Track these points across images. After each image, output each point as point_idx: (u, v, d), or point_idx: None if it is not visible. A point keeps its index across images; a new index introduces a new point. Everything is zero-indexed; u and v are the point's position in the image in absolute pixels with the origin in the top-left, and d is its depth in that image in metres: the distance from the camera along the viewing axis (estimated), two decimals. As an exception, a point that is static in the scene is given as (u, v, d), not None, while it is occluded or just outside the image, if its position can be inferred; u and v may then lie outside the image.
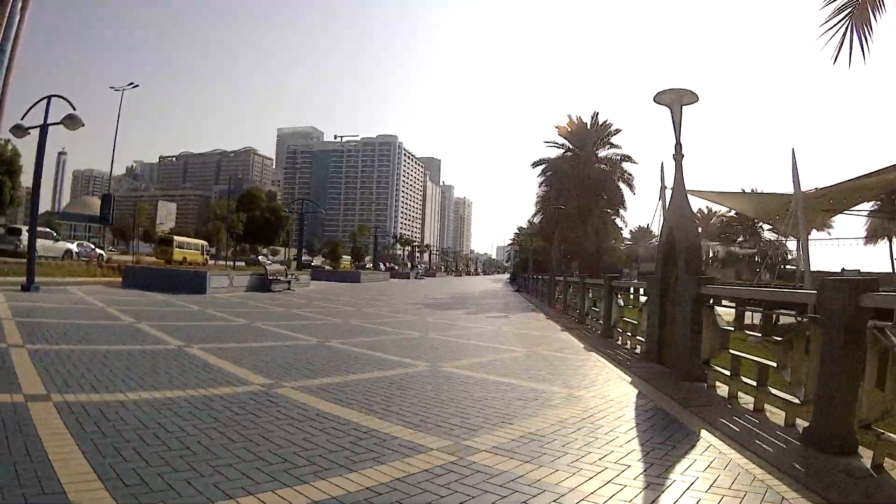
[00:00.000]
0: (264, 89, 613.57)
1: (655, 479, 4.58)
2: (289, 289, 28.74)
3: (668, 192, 36.51)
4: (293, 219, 60.25)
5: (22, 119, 21.16)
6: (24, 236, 38.37)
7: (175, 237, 60.95)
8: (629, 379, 9.06)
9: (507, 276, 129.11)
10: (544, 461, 4.83)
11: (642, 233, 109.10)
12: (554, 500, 4.04)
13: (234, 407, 6.10)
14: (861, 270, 65.17)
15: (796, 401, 6.26)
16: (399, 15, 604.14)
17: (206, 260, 58.17)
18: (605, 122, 51.16)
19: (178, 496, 3.76)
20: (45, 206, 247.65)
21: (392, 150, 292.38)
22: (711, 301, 8.91)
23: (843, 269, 58.89)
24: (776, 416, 6.78)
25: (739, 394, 7.76)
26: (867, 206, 34.23)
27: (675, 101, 10.95)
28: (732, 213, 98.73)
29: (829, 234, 51.47)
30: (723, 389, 8.16)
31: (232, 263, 48.07)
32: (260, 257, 65.59)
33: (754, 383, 7.24)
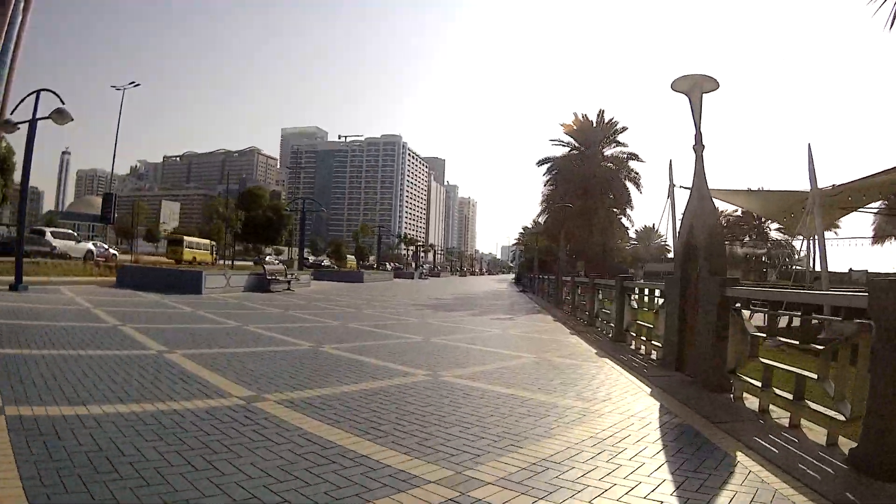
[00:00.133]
0: (269, 89, 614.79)
1: (697, 523, 3.81)
2: (288, 289, 27.99)
3: (678, 191, 35.90)
4: (295, 218, 59.33)
5: (11, 114, 20.61)
6: (49, 237, 40.52)
7: (185, 237, 61.03)
8: (648, 390, 8.27)
9: (511, 276, 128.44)
10: (562, 497, 4.05)
11: (647, 233, 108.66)
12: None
13: (205, 425, 5.35)
14: (869, 271, 64.41)
15: (841, 418, 5.52)
16: (403, 13, 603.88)
17: (215, 259, 57.79)
18: (611, 119, 50.50)
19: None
20: (48, 205, 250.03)
21: (396, 149, 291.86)
22: (738, 304, 8.13)
23: (850, 270, 58.08)
24: (815, 433, 6.04)
25: (771, 407, 7.01)
26: (875, 204, 33.37)
27: (694, 88, 10.18)
28: (738, 212, 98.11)
29: (836, 233, 50.54)
30: (752, 402, 7.44)
31: (230, 263, 47.30)
32: (268, 257, 65.19)
33: (790, 396, 6.49)
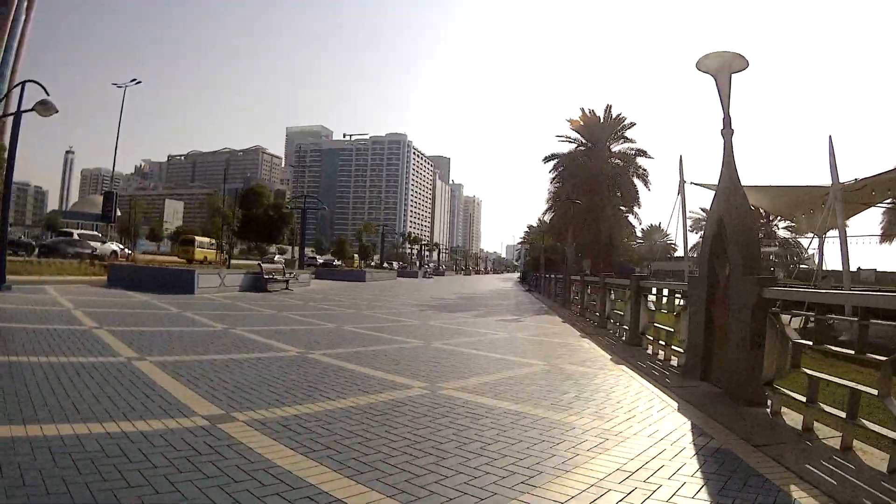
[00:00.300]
0: (273, 88, 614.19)
1: None
2: (286, 289, 27.05)
3: (688, 187, 34.94)
4: (297, 216, 58.55)
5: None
6: (76, 237, 41.54)
7: (196, 237, 60.85)
8: (674, 404, 7.31)
9: (516, 275, 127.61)
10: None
11: (654, 231, 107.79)
12: None
13: (155, 455, 4.45)
14: (877, 270, 63.48)
15: (907, 441, 4.63)
16: (408, 12, 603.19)
17: (226, 259, 57.10)
18: (618, 115, 49.58)
19: None
20: (52, 204, 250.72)
21: (401, 148, 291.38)
22: (777, 307, 7.17)
23: (859, 269, 57.06)
24: (870, 457, 5.20)
25: (816, 425, 6.12)
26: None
27: (722, 68, 9.25)
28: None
29: (844, 231, 49.44)
30: (792, 418, 6.55)
31: (227, 262, 46.38)
32: (276, 257, 64.63)
33: (842, 414, 5.56)
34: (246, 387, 6.99)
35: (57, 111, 17.87)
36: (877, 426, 5.14)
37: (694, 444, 5.58)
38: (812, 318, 6.84)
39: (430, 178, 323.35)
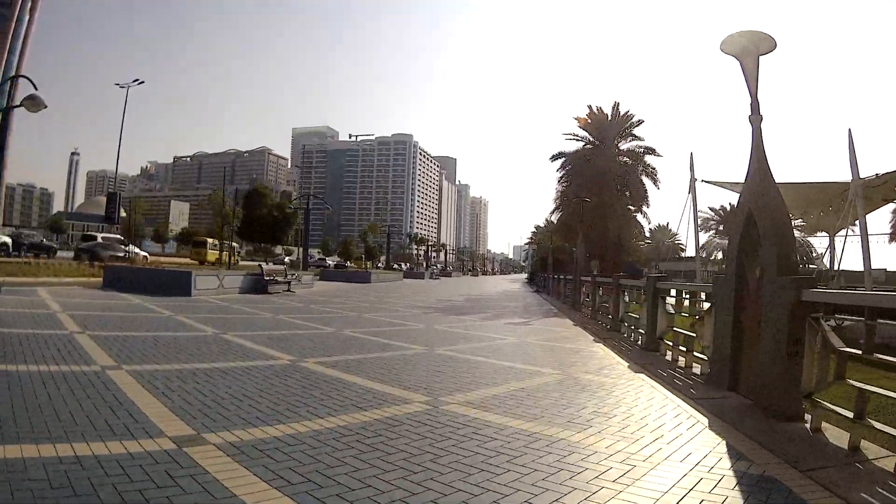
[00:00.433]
0: (279, 89, 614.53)
1: None
2: (288, 290, 26.32)
3: (699, 185, 34.07)
4: (300, 216, 57.91)
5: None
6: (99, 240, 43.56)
7: (209, 239, 60.92)
8: (704, 420, 6.54)
9: (524, 275, 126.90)
10: None
11: (661, 231, 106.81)
12: None
13: (105, 487, 3.74)
14: (887, 270, 62.44)
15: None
16: (414, 11, 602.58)
17: (238, 261, 56.71)
18: (626, 112, 48.49)
19: None
20: (58, 206, 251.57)
21: (407, 149, 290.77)
22: (819, 311, 6.42)
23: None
24: None
25: (863, 444, 5.42)
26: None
27: (749, 49, 8.49)
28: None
29: (852, 230, 48.32)
30: (835, 434, 5.84)
31: (227, 263, 45.68)
32: (286, 258, 64.15)
33: (893, 432, 4.88)
34: (226, 401, 6.26)
35: (45, 106, 17.17)
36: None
37: (734, 471, 4.83)
38: (843, 323, 6.12)
39: (437, 178, 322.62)
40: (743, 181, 8.42)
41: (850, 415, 5.55)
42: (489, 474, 4.39)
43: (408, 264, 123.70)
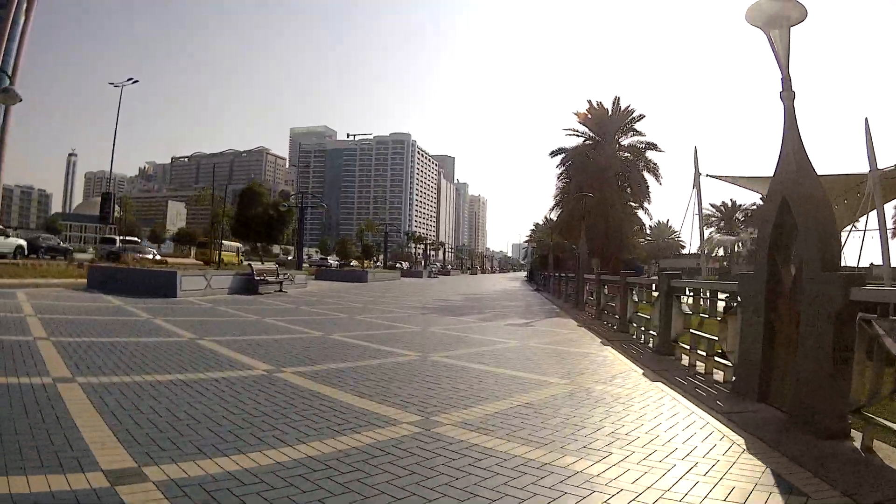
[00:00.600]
0: (278, 89, 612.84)
1: None
2: (280, 290, 25.35)
3: (703, 179, 33.13)
4: (295, 214, 56.96)
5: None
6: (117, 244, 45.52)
7: (213, 240, 59.42)
8: (739, 440, 5.62)
9: (523, 273, 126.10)
10: None
11: (661, 228, 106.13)
12: None
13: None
14: (893, 266, 61.53)
15: None
16: (412, 10, 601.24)
17: (241, 260, 55.87)
18: (627, 107, 47.65)
19: None
20: (56, 207, 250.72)
21: (405, 148, 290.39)
22: (867, 313, 5.50)
23: (871, 265, 55.14)
24: None
25: None
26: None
27: (777, 19, 7.54)
28: (758, 203, 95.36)
29: (854, 226, 47.29)
30: (887, 454, 5.13)
31: (216, 263, 44.61)
32: (289, 258, 63.14)
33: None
34: (182, 423, 5.33)
35: (21, 100, 16.27)
36: None
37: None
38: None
39: (435, 177, 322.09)
40: (778, 167, 7.45)
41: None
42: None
43: (405, 263, 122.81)
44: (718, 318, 8.91)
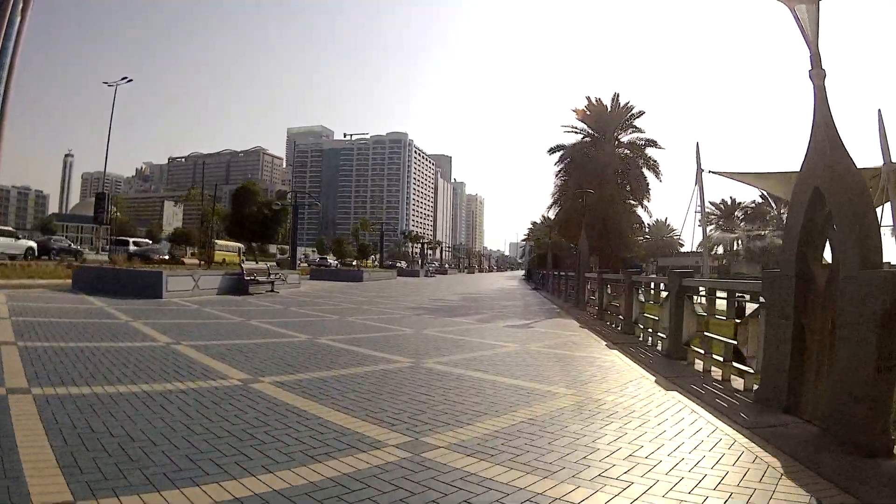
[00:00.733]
0: (274, 89, 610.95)
1: None
2: (272, 290, 24.56)
3: (706, 175, 32.37)
4: (290, 213, 56.19)
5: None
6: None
7: (216, 241, 59.48)
8: (774, 462, 4.93)
9: (521, 272, 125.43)
10: None
11: (659, 227, 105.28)
12: None
13: None
14: (892, 263, 60.83)
15: None
16: (409, 8, 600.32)
17: (243, 260, 55.23)
18: (626, 103, 47.00)
19: None
20: (53, 207, 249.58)
21: (402, 147, 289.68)
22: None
23: (889, 264, 54.26)
24: None
25: None
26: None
27: (805, -8, 6.85)
28: (757, 202, 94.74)
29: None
30: None
31: (206, 262, 43.84)
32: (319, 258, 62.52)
33: None
34: (135, 444, 4.66)
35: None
36: None
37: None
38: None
39: (432, 176, 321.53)
40: (808, 152, 6.71)
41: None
42: None
43: (402, 262, 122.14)
44: (740, 322, 8.16)
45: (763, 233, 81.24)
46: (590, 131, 47.52)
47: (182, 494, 3.71)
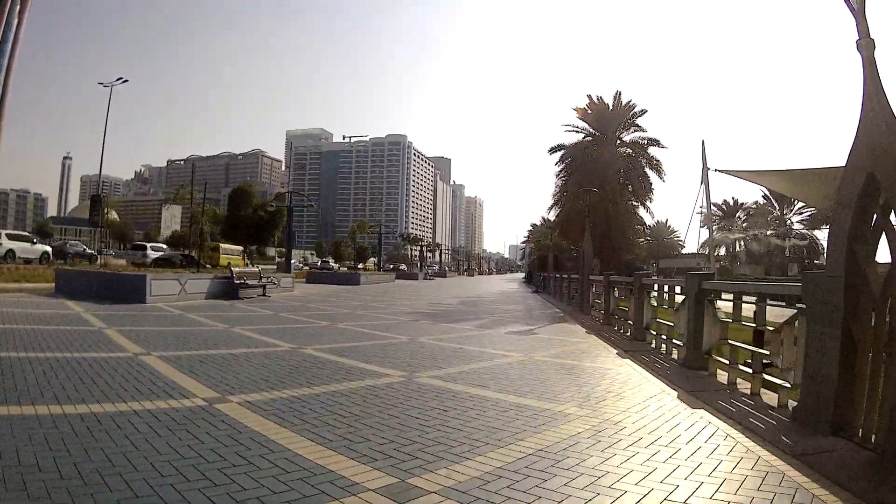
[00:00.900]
0: (273, 92, 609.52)
1: None
2: (263, 295, 23.60)
3: (712, 174, 31.42)
4: (285, 216, 55.37)
5: None
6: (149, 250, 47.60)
7: (221, 244, 60.03)
8: (834, 500, 3.98)
9: (521, 275, 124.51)
10: None
11: (660, 228, 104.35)
12: None
13: None
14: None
15: None
16: (406, 8, 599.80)
17: (247, 263, 54.46)
18: (628, 102, 46.01)
19: None
20: (52, 210, 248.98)
21: (401, 149, 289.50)
22: None
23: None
24: None
25: None
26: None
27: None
28: (759, 202, 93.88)
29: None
30: None
31: (196, 266, 42.95)
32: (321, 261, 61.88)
33: None
34: (58, 489, 3.72)
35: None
36: None
37: None
38: None
39: (431, 179, 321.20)
40: (859, 132, 5.79)
41: None
42: None
43: (400, 264, 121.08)
44: (772, 329, 7.22)
45: (767, 233, 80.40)
46: (591, 130, 46.62)
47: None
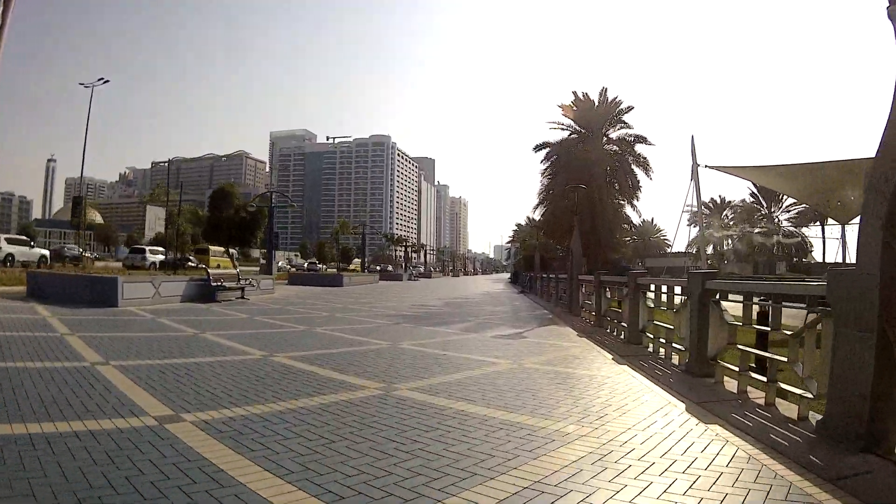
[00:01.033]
0: (257, 93, 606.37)
1: None
2: (241, 297, 22.76)
3: (702, 170, 30.88)
4: (267, 216, 54.28)
5: None
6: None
7: (210, 247, 59.05)
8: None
9: (506, 275, 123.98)
10: None
11: (646, 227, 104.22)
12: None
13: None
14: None
15: None
16: (390, 8, 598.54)
17: (236, 265, 53.64)
18: (615, 98, 45.60)
19: None
20: (36, 213, 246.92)
21: (385, 150, 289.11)
22: None
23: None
24: None
25: None
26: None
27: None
28: (746, 200, 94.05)
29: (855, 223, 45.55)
30: None
31: (172, 269, 42.01)
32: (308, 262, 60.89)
33: None
34: None
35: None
36: None
37: None
38: None
39: (416, 179, 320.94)
40: (888, 120, 5.13)
41: None
42: None
43: (386, 265, 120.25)
44: (791, 334, 6.52)
45: (755, 231, 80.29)
46: (577, 127, 46.13)
47: None
